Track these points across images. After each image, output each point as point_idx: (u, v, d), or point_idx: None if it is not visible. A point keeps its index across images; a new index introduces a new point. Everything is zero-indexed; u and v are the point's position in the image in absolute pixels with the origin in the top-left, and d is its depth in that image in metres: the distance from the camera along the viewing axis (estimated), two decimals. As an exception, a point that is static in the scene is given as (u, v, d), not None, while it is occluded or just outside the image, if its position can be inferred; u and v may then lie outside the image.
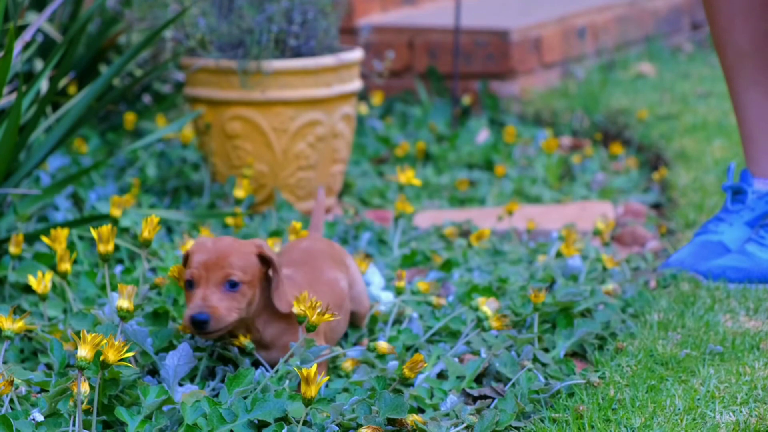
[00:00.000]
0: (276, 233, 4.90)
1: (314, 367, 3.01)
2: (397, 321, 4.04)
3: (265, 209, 5.46)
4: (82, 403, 2.94)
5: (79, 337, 2.88)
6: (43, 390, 3.38)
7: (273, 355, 3.52)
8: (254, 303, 3.43)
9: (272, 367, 3.46)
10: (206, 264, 3.35)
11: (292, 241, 4.00)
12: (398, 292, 4.07)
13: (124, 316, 3.32)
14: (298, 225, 4.22)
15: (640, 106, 7.31)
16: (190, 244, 3.72)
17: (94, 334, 2.89)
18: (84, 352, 2.88)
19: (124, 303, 3.32)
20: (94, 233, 3.59)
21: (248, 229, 5.04)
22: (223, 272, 3.33)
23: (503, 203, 6.08)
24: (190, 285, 3.36)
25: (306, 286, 3.53)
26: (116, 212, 4.40)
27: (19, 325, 3.31)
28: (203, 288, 3.33)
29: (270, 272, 3.47)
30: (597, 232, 4.84)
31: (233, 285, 3.35)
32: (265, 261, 3.43)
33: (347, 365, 3.61)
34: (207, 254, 3.37)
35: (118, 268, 4.43)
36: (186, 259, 3.45)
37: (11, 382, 3.06)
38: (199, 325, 3.30)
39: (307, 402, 3.00)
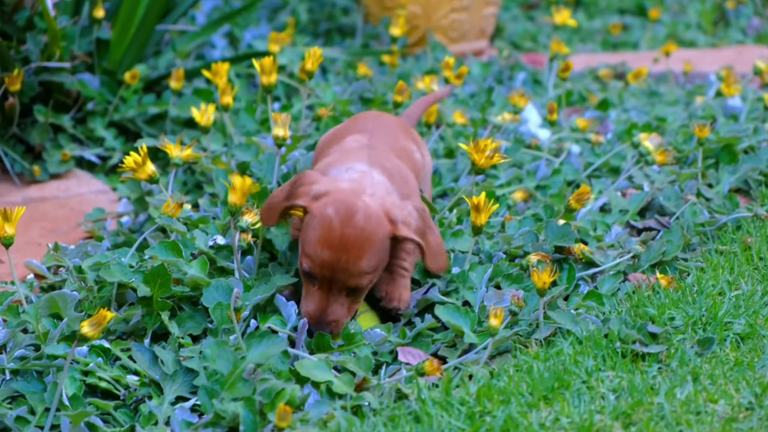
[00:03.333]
0: (431, 72, 4.89)
1: (483, 195, 3.01)
2: (555, 155, 4.02)
3: (417, 51, 5.43)
4: (238, 249, 2.98)
5: (232, 185, 2.90)
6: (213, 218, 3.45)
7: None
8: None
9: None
10: (334, 267, 2.73)
11: (362, 113, 3.56)
12: (551, 124, 4.04)
13: (280, 144, 3.34)
14: (451, 60, 4.18)
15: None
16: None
17: (241, 179, 2.87)
18: (234, 198, 2.89)
19: (280, 131, 3.33)
20: (256, 65, 3.61)
21: (403, 68, 5.03)
22: (351, 283, 2.77)
23: (656, 48, 5.96)
24: (310, 276, 2.76)
25: (383, 151, 3.05)
26: (274, 48, 4.41)
27: (187, 152, 3.36)
28: (326, 295, 2.78)
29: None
30: (757, 72, 4.72)
31: (359, 290, 2.83)
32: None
33: (517, 196, 3.63)
34: (335, 253, 2.71)
35: (276, 105, 4.47)
36: (295, 193, 2.81)
37: (181, 205, 3.12)
38: (318, 334, 2.80)
39: (478, 230, 3.01)
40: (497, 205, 3.07)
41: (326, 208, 2.73)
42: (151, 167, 3.13)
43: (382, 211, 2.76)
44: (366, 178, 2.83)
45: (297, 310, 2.82)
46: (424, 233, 2.81)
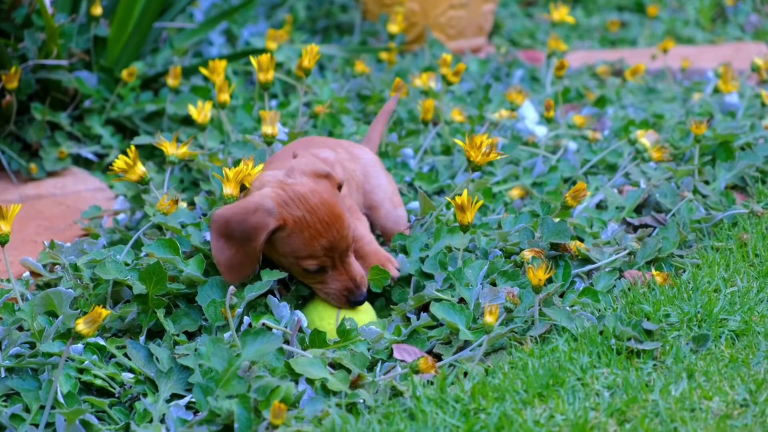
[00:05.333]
0: (428, 69, 4.89)
1: (464, 192, 3.01)
2: (552, 152, 4.02)
3: (415, 48, 5.43)
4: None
5: (225, 176, 2.91)
6: (204, 215, 3.45)
7: None
8: None
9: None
10: (334, 245, 2.88)
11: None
12: (549, 121, 4.05)
13: (269, 141, 3.34)
14: (449, 57, 4.19)
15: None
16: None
17: (236, 169, 2.91)
18: (229, 189, 2.91)
19: (268, 129, 3.34)
20: (253, 62, 3.61)
21: (400, 65, 5.03)
22: (349, 241, 2.90)
23: (654, 44, 5.96)
24: (321, 269, 2.86)
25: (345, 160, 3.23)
26: (272, 45, 4.41)
27: (183, 150, 3.36)
28: (342, 266, 2.90)
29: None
30: (755, 68, 4.71)
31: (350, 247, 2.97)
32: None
33: (514, 193, 3.64)
34: (328, 233, 2.85)
35: (273, 102, 4.47)
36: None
37: (176, 202, 3.12)
38: (358, 304, 2.92)
39: (465, 228, 3.01)
40: (482, 201, 3.07)
41: (292, 212, 2.81)
42: (141, 168, 3.13)
43: (318, 174, 2.88)
44: (285, 171, 2.90)
45: (289, 310, 2.83)
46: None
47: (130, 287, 2.87)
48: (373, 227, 3.34)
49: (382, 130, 3.73)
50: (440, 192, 3.75)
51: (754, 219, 3.37)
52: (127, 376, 2.65)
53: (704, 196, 3.61)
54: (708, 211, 3.48)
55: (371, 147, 3.62)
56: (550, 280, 2.97)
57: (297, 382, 2.57)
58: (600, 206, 3.61)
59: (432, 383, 2.57)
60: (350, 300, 2.88)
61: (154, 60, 4.68)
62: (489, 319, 2.64)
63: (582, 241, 3.27)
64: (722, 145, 3.88)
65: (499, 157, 3.16)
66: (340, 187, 2.92)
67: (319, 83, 4.61)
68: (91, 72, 4.31)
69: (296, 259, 2.84)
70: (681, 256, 3.22)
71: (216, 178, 3.51)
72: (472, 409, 2.45)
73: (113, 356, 2.74)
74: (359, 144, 3.50)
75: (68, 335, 2.72)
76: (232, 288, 2.64)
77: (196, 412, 2.54)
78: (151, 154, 4.11)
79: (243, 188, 2.95)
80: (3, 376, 2.61)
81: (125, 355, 2.73)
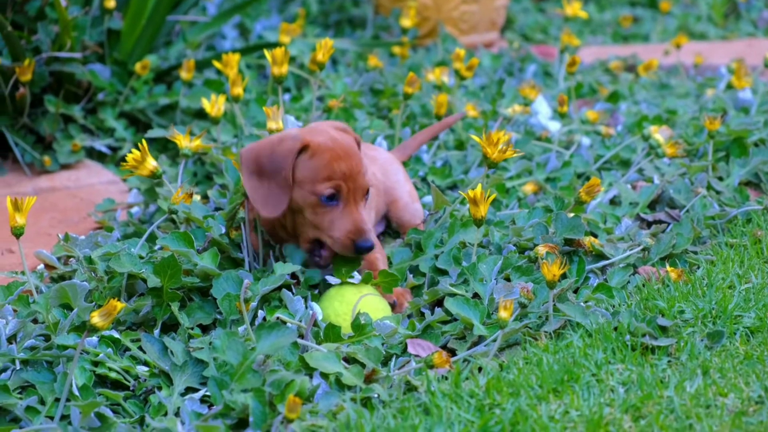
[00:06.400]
0: (441, 63, 4.88)
1: (479, 186, 3.01)
2: (566, 148, 4.02)
3: (428, 42, 5.42)
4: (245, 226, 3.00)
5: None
6: (218, 209, 3.45)
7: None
8: None
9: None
10: (352, 174, 2.95)
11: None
12: (562, 116, 4.04)
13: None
14: (461, 52, 4.18)
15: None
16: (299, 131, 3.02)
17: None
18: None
19: (273, 124, 3.34)
20: (268, 55, 3.60)
21: (413, 60, 5.02)
22: (365, 183, 2.97)
23: (667, 40, 5.95)
24: (332, 198, 2.93)
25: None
26: (285, 39, 4.41)
27: (196, 143, 3.36)
28: (354, 205, 2.94)
29: None
30: (767, 64, 4.70)
31: (366, 194, 3.02)
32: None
33: (527, 188, 3.64)
34: (347, 162, 2.94)
35: (287, 96, 4.47)
36: (301, 150, 2.92)
37: (191, 195, 3.13)
38: (364, 251, 2.94)
39: (479, 222, 3.01)
40: (494, 195, 3.07)
41: (315, 137, 2.91)
42: (152, 163, 3.12)
43: (338, 127, 3.03)
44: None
45: (304, 305, 2.83)
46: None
47: (144, 280, 2.87)
48: (389, 221, 3.37)
49: (423, 142, 3.78)
50: (453, 187, 3.75)
51: (769, 215, 3.37)
52: (141, 369, 2.65)
53: (718, 192, 3.60)
54: (722, 208, 3.48)
55: (405, 152, 3.69)
56: (564, 276, 2.97)
57: (311, 377, 2.57)
58: (613, 202, 3.60)
59: (446, 378, 2.57)
60: (356, 243, 2.90)
61: (168, 53, 4.68)
62: (503, 314, 2.64)
63: (596, 236, 3.27)
64: (736, 141, 3.87)
65: (515, 155, 3.16)
66: (357, 144, 3.01)
67: (332, 77, 4.61)
68: (104, 65, 4.32)
69: (313, 184, 2.89)
70: (695, 253, 3.22)
71: (231, 169, 3.51)
72: (487, 404, 2.45)
73: (128, 349, 2.75)
74: (374, 146, 3.52)
75: (83, 328, 2.72)
76: (246, 281, 2.64)
77: (210, 406, 2.54)
78: (164, 147, 4.11)
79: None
80: (18, 368, 2.61)
81: (140, 348, 2.74)
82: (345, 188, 2.91)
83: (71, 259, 3.26)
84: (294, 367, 2.57)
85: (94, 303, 2.86)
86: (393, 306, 2.96)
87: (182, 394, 2.58)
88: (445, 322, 2.85)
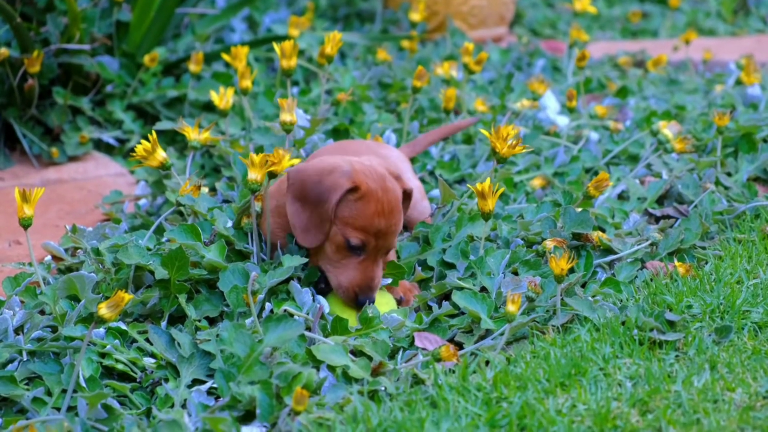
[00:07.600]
0: (450, 58, 4.88)
1: (487, 180, 3.01)
2: (574, 142, 4.01)
3: (437, 36, 5.42)
4: (257, 218, 3.00)
5: (251, 161, 2.91)
6: (225, 201, 3.45)
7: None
8: None
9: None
10: (386, 233, 2.85)
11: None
12: (570, 111, 4.04)
13: (288, 129, 3.33)
14: (470, 46, 4.18)
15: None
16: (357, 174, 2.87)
17: (262, 155, 2.90)
18: (254, 175, 2.91)
19: (287, 116, 3.33)
20: (277, 48, 3.60)
21: (422, 54, 5.02)
22: (393, 243, 2.91)
23: (676, 35, 5.94)
24: (356, 248, 2.83)
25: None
26: (294, 32, 4.40)
27: (205, 135, 3.36)
28: (372, 261, 2.87)
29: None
30: (778, 61, 4.70)
31: (389, 251, 2.95)
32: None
33: (535, 183, 3.64)
34: (387, 219, 2.84)
35: (295, 90, 4.46)
36: (351, 190, 2.80)
37: (198, 188, 3.13)
38: (362, 305, 2.86)
39: (486, 216, 3.01)
40: (503, 189, 3.06)
41: (368, 181, 2.80)
42: (161, 154, 3.12)
43: (393, 173, 2.90)
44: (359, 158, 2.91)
45: (311, 296, 2.82)
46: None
47: (152, 272, 2.87)
48: None
49: (433, 142, 3.75)
50: (461, 181, 3.75)
51: (777, 211, 3.37)
52: (148, 361, 2.65)
53: (726, 188, 3.60)
54: (730, 203, 3.47)
55: (414, 150, 3.66)
56: (572, 270, 2.97)
57: (318, 369, 2.56)
58: (622, 197, 3.60)
59: (454, 371, 2.57)
60: (359, 297, 2.83)
61: (176, 46, 4.68)
62: (511, 308, 2.64)
63: (604, 231, 3.27)
64: (745, 136, 3.86)
65: (524, 150, 3.15)
66: (407, 196, 2.92)
67: (340, 71, 4.61)
68: (113, 57, 4.32)
69: (346, 227, 2.80)
70: (703, 248, 3.21)
71: (239, 161, 3.51)
72: (494, 397, 2.45)
73: (135, 341, 2.75)
74: (385, 144, 3.50)
75: (90, 319, 2.73)
76: (253, 274, 2.64)
77: (217, 398, 2.54)
78: (172, 139, 4.11)
79: (272, 176, 2.95)
80: (25, 359, 2.62)
81: (147, 340, 2.73)
82: (373, 244, 2.83)
83: (79, 250, 3.26)
84: (301, 360, 2.57)
85: (101, 294, 2.86)
86: (399, 302, 2.95)
87: (189, 386, 2.58)
88: (452, 316, 2.85)
